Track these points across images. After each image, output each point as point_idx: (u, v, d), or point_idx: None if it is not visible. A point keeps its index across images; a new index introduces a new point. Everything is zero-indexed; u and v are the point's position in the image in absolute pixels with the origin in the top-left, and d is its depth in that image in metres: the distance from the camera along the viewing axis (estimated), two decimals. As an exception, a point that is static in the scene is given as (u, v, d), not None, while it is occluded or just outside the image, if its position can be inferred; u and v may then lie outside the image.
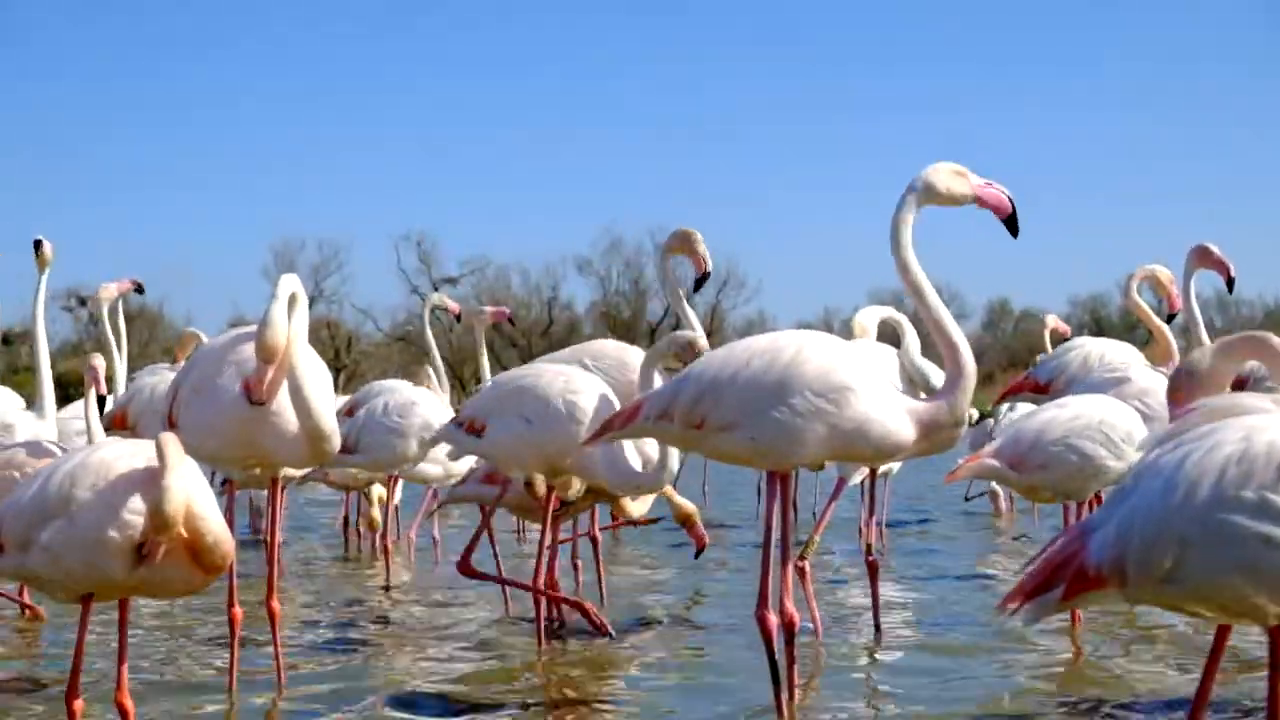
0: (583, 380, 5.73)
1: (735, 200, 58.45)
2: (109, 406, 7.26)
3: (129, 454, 3.99)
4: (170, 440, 3.89)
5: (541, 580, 6.15)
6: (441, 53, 59.68)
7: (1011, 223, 4.36)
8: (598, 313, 46.48)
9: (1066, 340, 10.90)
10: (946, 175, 4.33)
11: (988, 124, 58.09)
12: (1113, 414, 5.88)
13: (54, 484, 3.97)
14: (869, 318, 6.05)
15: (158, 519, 3.75)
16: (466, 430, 5.90)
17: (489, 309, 9.79)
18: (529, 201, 58.55)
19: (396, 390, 8.08)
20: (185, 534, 3.86)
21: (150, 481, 3.84)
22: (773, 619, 4.49)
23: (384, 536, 8.83)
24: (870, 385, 4.30)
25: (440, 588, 8.34)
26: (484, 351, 9.13)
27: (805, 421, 4.27)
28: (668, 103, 59.71)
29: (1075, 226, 58.11)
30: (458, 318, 10.89)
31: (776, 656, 4.53)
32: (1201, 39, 57.31)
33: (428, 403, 7.89)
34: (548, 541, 6.18)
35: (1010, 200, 4.33)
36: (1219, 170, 57.76)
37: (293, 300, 4.83)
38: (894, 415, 4.31)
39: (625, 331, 44.80)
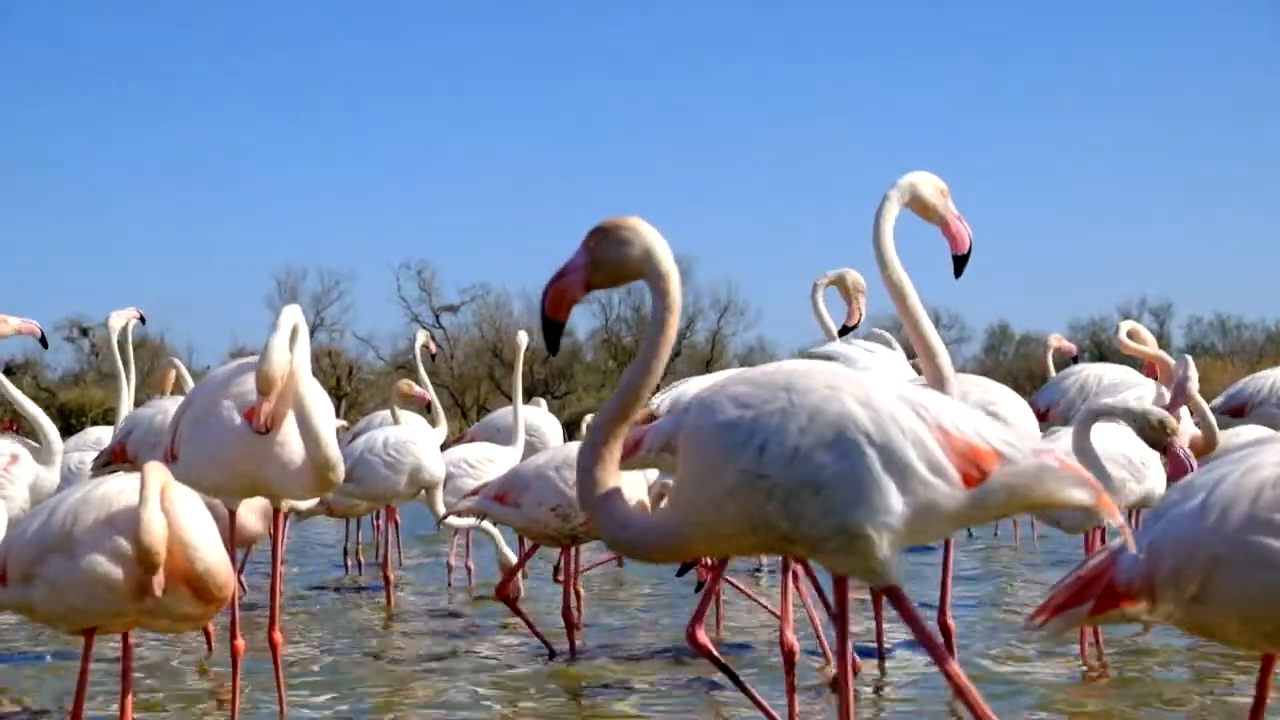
0: (998, 390, 5.60)
1: (734, 227, 58.63)
2: (109, 440, 7.25)
3: (132, 489, 3.98)
4: (152, 471, 3.89)
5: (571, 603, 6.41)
6: (440, 82, 59.92)
7: (961, 262, 4.36)
8: (599, 339, 46.51)
9: (1074, 359, 10.89)
10: (930, 185, 4.33)
11: (987, 149, 58.23)
12: (1129, 438, 5.93)
13: (57, 519, 3.98)
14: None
15: (138, 551, 3.75)
16: None
17: (523, 334, 9.86)
18: (529, 229, 58.71)
19: (405, 424, 8.16)
20: (180, 563, 3.85)
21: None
22: (702, 637, 4.56)
23: (385, 564, 8.83)
24: None
25: (444, 614, 8.34)
26: (519, 374, 9.22)
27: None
28: (667, 129, 59.92)
29: (1075, 251, 58.22)
30: (433, 356, 10.99)
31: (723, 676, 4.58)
32: (1200, 61, 57.51)
33: (425, 442, 8.04)
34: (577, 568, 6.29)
35: (970, 242, 4.34)
36: (1219, 193, 57.89)
37: (295, 332, 4.84)
38: None
39: (627, 358, 44.80)
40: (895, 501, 3.03)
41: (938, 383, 4.26)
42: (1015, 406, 5.57)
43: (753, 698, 4.64)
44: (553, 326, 3.29)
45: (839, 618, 3.35)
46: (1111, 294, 65.57)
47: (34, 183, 57.63)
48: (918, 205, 4.32)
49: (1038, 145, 58.75)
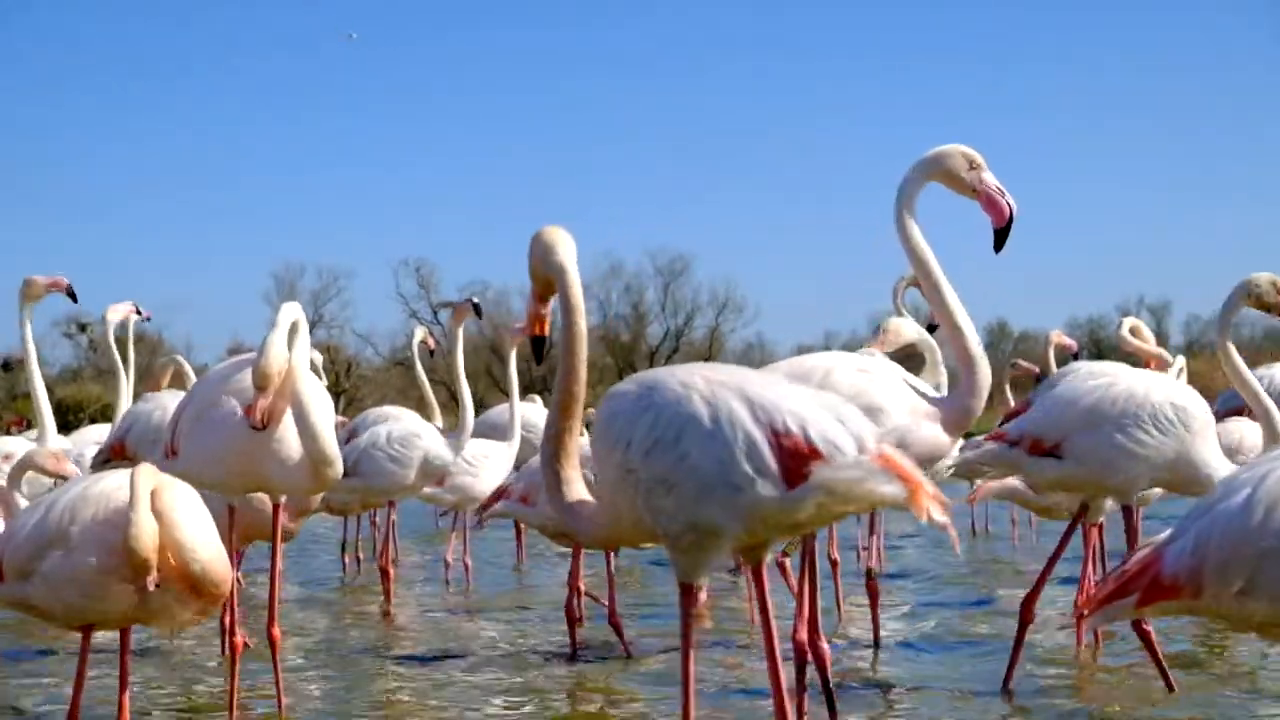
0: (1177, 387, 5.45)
1: (734, 224, 58.61)
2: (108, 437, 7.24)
3: (128, 486, 3.97)
4: (141, 474, 3.87)
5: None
6: (440, 80, 59.86)
7: (1001, 235, 4.20)
8: (597, 336, 46.50)
9: (1074, 355, 10.85)
10: (957, 158, 4.23)
11: (987, 148, 57.93)
12: None
13: (54, 516, 3.95)
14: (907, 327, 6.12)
15: (128, 555, 3.74)
16: (1030, 450, 5.38)
17: (518, 325, 9.73)
18: (528, 226, 58.02)
19: (400, 419, 8.15)
20: (174, 562, 3.84)
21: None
22: (824, 644, 4.46)
23: (384, 559, 8.80)
24: (901, 402, 4.21)
25: (443, 611, 8.34)
26: (513, 368, 9.21)
27: None
28: (667, 127, 59.88)
29: (1074, 249, 58.22)
30: (431, 353, 11.04)
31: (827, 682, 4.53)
32: (1200, 61, 57.49)
33: (428, 433, 8.03)
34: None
35: (1011, 214, 4.19)
36: (1218, 192, 57.89)
37: (294, 329, 4.84)
38: (928, 425, 4.22)
39: (625, 355, 44.82)
40: (727, 500, 3.17)
41: (965, 361, 4.16)
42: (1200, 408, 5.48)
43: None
44: (534, 341, 3.73)
45: (762, 605, 3.45)
46: (1110, 292, 65.67)
47: (34, 183, 57.59)
48: (945, 178, 4.21)
49: (1037, 144, 58.66)
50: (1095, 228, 59.58)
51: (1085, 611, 3.37)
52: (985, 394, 4.21)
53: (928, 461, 4.31)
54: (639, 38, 59.62)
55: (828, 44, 59.85)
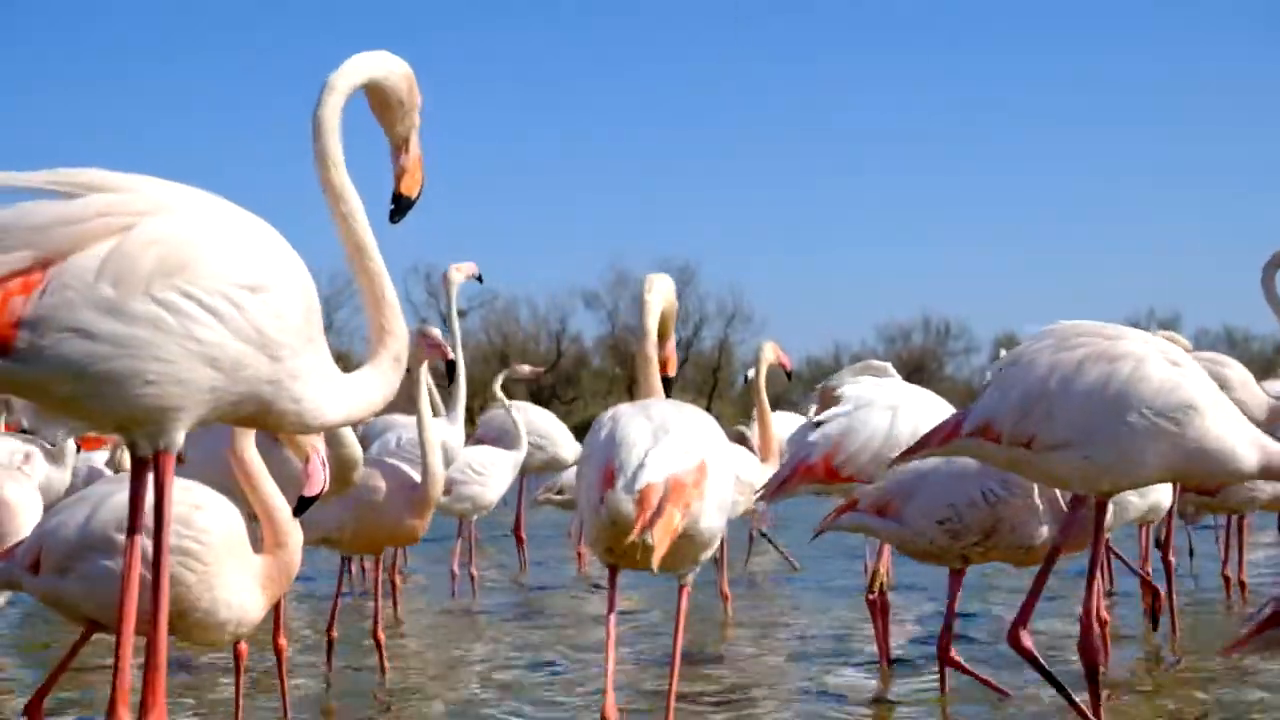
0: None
1: (741, 234, 58.55)
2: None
3: (178, 499, 3.95)
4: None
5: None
6: (447, 85, 59.97)
7: None
8: (605, 346, 46.52)
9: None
10: None
11: (995, 157, 58.23)
12: None
13: (101, 518, 3.95)
14: None
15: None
16: None
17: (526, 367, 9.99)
18: (536, 236, 58.72)
19: (408, 426, 8.15)
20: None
21: (189, 521, 3.90)
22: (1026, 641, 4.36)
23: (392, 570, 8.81)
24: (1215, 404, 4.03)
25: (448, 622, 8.34)
26: (499, 385, 9.22)
27: (1146, 441, 3.97)
28: (674, 136, 59.89)
29: (1083, 262, 58.15)
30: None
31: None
32: (1210, 72, 57.46)
33: (435, 427, 7.98)
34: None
35: None
36: (1227, 205, 57.82)
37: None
38: (1239, 439, 4.02)
39: (634, 365, 44.78)
40: (587, 516, 3.86)
41: None
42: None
43: (1075, 705, 4.38)
44: (665, 380, 4.59)
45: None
46: (1119, 305, 65.36)
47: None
48: None
49: (1044, 154, 58.69)
50: (1105, 240, 59.45)
51: (1239, 649, 3.72)
52: None
53: (1214, 477, 4.12)
54: (644, 43, 59.70)
55: (833, 49, 59.83)
